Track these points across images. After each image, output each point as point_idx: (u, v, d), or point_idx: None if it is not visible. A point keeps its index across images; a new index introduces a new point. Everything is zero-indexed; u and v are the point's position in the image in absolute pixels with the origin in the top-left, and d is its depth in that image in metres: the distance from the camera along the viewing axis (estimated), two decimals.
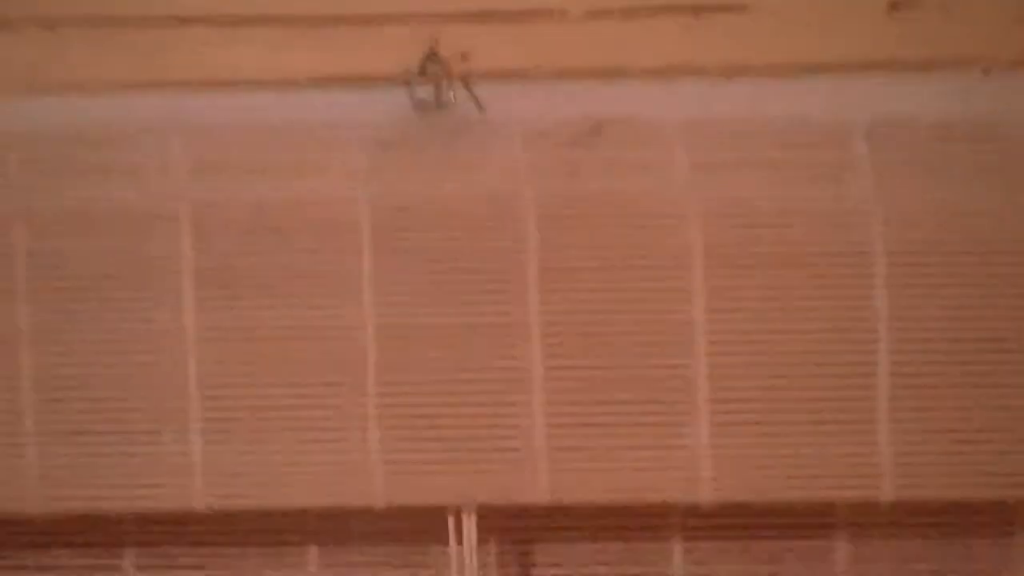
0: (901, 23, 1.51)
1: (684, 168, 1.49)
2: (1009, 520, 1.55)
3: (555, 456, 1.49)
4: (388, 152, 1.50)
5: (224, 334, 1.49)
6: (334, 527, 1.56)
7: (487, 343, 1.49)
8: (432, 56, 1.51)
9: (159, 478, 1.50)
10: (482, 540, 1.53)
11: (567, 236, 1.49)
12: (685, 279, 1.48)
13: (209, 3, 1.52)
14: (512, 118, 1.50)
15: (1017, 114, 1.50)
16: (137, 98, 1.52)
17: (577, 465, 1.50)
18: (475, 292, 1.49)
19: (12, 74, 1.52)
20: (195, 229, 1.49)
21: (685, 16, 1.51)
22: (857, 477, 1.50)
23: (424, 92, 1.50)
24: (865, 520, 1.55)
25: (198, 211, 1.49)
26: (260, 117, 1.51)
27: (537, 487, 1.50)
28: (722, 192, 1.48)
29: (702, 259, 1.48)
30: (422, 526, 1.55)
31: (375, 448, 1.49)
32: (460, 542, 1.53)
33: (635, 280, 1.49)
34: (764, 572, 1.57)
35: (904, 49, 1.50)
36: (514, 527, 1.56)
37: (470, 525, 1.53)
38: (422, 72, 1.50)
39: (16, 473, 1.50)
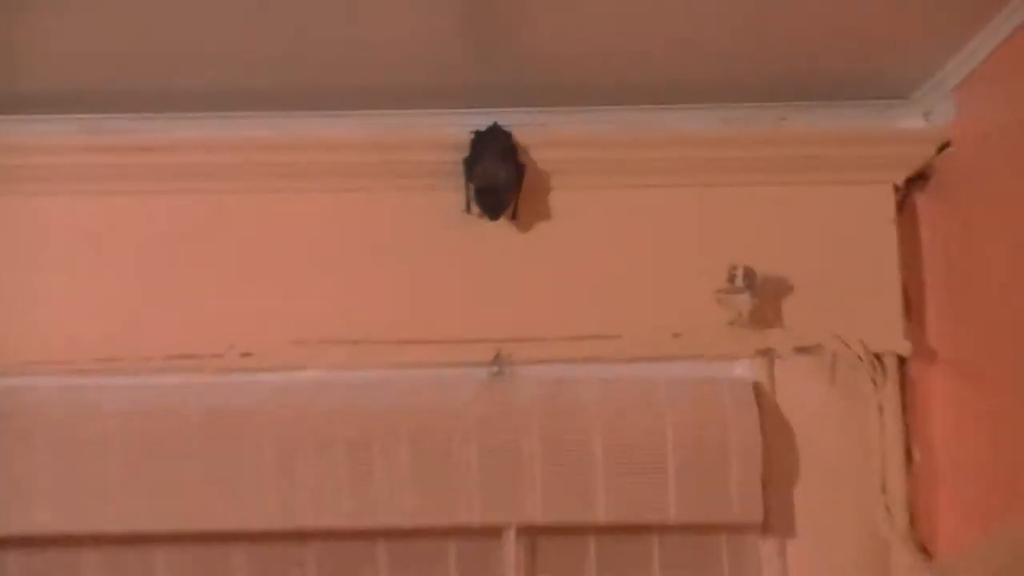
0: None
1: (594, 397, 3.51)
2: None
3: None
4: (479, 394, 3.53)
5: None
6: None
7: None
8: (497, 356, 3.58)
9: None
10: None
11: (558, 424, 3.47)
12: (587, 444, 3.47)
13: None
14: (529, 377, 3.52)
15: None
16: None
17: None
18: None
19: None
20: None
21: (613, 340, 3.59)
22: None
23: (493, 370, 3.55)
24: None
25: None
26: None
27: None
28: (623, 409, 3.47)
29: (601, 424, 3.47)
30: None
31: None
32: None
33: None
34: None
35: None
36: None
37: None
38: (493, 362, 3.57)
39: None
